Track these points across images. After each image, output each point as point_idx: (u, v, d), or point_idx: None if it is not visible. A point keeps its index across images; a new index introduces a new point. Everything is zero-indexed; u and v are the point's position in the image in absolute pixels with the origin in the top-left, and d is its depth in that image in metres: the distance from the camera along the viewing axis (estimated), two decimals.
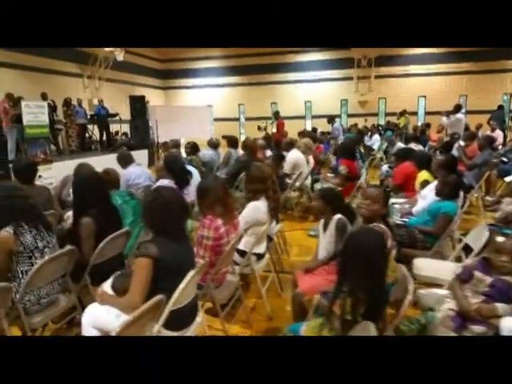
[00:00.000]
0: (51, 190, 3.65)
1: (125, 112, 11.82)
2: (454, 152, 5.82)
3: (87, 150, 10.34)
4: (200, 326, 2.02)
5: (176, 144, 5.30)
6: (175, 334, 1.80)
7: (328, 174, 5.58)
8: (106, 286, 1.91)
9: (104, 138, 10.76)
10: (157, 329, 1.67)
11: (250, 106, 18.13)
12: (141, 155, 8.90)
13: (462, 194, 3.34)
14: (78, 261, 2.26)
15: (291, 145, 5.72)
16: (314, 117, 17.25)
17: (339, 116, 16.25)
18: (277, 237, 3.54)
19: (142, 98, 11.58)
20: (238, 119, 18.69)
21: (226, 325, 2.41)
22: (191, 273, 1.77)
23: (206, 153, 5.87)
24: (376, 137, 10.36)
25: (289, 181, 5.00)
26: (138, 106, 11.08)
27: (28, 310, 2.03)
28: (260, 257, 2.82)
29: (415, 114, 15.71)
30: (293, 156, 5.37)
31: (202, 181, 2.75)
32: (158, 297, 1.61)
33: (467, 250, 2.72)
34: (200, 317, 2.02)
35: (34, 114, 7.32)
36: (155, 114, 12.10)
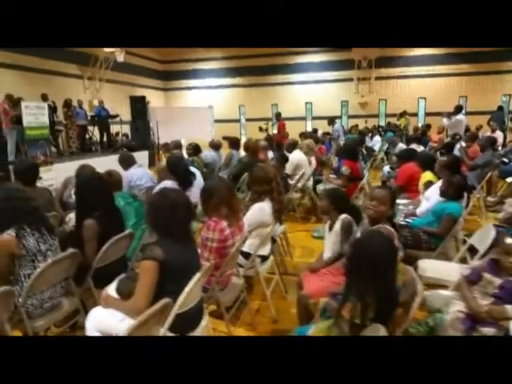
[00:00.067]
0: (52, 192, 3.63)
1: (125, 113, 11.81)
2: (456, 153, 5.81)
3: (87, 151, 10.31)
4: (205, 328, 2.00)
5: (178, 145, 5.28)
6: None
7: (330, 175, 5.56)
8: (111, 290, 1.88)
9: (104, 139, 10.73)
10: (163, 332, 1.65)
11: (251, 107, 18.12)
12: (141, 156, 8.88)
13: (465, 194, 3.33)
14: (80, 263, 2.24)
15: (294, 146, 5.70)
16: (314, 118, 17.25)
17: (340, 117, 16.26)
18: (280, 238, 3.52)
19: (143, 98, 11.56)
20: (238, 120, 18.68)
21: (230, 327, 2.39)
22: (197, 275, 1.75)
23: (207, 154, 5.86)
24: (377, 138, 10.35)
25: (290, 182, 4.98)
26: (139, 106, 11.06)
27: (31, 313, 2.00)
28: (264, 259, 2.80)
29: (415, 115, 15.71)
30: (295, 157, 5.36)
31: (207, 182, 2.72)
32: (164, 300, 1.59)
33: (472, 251, 2.71)
34: (205, 320, 2.00)
35: (35, 116, 7.29)
36: (156, 115, 12.10)
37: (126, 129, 12.09)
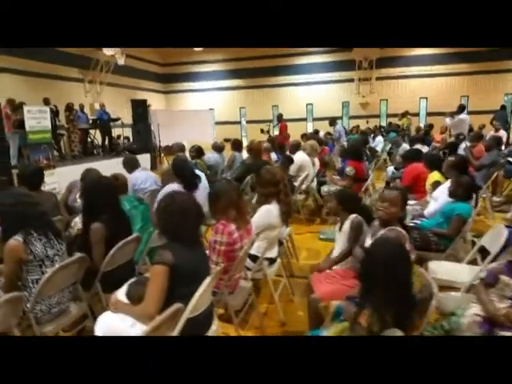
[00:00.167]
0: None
1: (126, 116, 11.81)
2: (461, 153, 5.78)
3: (89, 154, 10.31)
4: (216, 333, 1.97)
5: (181, 147, 5.26)
6: None
7: (334, 176, 5.53)
8: (120, 294, 1.86)
9: (106, 142, 10.72)
10: None
11: (252, 108, 18.12)
12: (143, 159, 8.86)
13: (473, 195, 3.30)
14: (88, 268, 2.21)
15: (297, 147, 5.68)
16: (315, 119, 17.25)
17: (341, 118, 16.25)
18: (285, 241, 3.49)
19: (144, 101, 11.57)
20: (239, 122, 18.68)
21: (240, 331, 2.36)
22: (207, 279, 1.73)
23: (210, 156, 5.83)
24: (379, 138, 10.31)
25: (294, 183, 4.95)
26: (140, 110, 11.06)
27: (39, 319, 1.98)
28: (272, 261, 2.77)
29: (416, 115, 15.69)
30: (298, 158, 5.33)
31: (214, 185, 2.71)
32: (176, 305, 1.57)
33: (483, 252, 2.68)
34: (215, 324, 1.97)
35: (37, 120, 7.30)
36: (157, 118, 12.11)
37: (128, 132, 12.09)
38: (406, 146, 7.07)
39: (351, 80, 16.58)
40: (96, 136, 10.97)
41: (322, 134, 11.05)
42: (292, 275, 3.37)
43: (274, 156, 6.36)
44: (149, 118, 11.59)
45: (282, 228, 2.88)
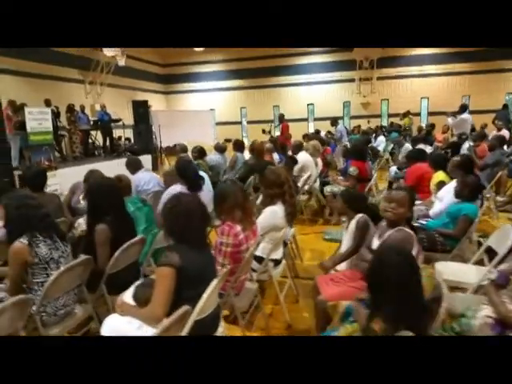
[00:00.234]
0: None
1: (127, 117, 11.81)
2: (464, 152, 5.76)
3: (91, 155, 10.29)
4: (222, 335, 1.95)
5: (184, 148, 5.25)
6: None
7: (337, 177, 5.51)
8: (126, 296, 1.84)
9: (107, 143, 10.71)
10: None
11: (252, 109, 18.11)
12: (145, 160, 8.83)
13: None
14: (93, 270, 2.20)
15: (299, 147, 5.66)
16: (316, 119, 17.24)
17: (342, 118, 16.23)
18: (290, 241, 3.48)
19: (145, 102, 11.57)
20: (240, 123, 18.67)
21: (245, 332, 2.34)
22: (214, 281, 1.71)
23: (212, 157, 5.82)
24: (381, 138, 10.28)
25: (297, 184, 4.93)
26: (141, 110, 11.05)
27: (45, 321, 1.97)
28: (277, 263, 2.76)
29: (418, 114, 15.68)
30: (301, 158, 5.31)
31: (220, 186, 2.69)
32: (184, 308, 1.55)
33: (490, 252, 2.66)
34: (222, 326, 1.96)
35: (38, 121, 7.30)
36: (158, 119, 12.09)
37: (129, 133, 12.08)
38: (408, 146, 7.05)
39: (352, 80, 16.56)
40: (97, 137, 10.96)
41: (322, 133, 11.04)
42: (297, 276, 3.36)
43: (275, 156, 6.34)
44: (150, 118, 11.58)
45: (286, 229, 2.86)
